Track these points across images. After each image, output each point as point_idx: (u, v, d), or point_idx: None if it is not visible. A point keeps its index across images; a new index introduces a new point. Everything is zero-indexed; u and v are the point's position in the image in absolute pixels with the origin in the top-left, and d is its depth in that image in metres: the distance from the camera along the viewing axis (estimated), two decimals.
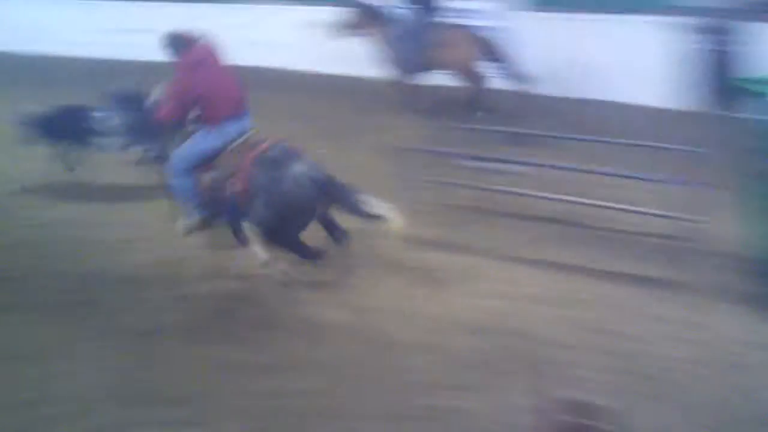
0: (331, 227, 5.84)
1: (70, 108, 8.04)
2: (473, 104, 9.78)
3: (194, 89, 5.80)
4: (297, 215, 5.66)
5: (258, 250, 5.83)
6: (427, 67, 9.83)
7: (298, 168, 5.58)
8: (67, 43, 13.86)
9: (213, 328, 5.33)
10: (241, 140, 5.89)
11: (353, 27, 10.19)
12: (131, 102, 7.80)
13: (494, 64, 9.75)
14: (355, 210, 5.54)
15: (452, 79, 10.06)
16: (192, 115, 5.99)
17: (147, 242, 6.64)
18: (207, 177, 5.88)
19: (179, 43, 5.95)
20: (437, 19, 9.99)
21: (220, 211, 5.93)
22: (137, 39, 11.65)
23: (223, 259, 6.11)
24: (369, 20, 10.21)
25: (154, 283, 5.97)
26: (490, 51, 9.70)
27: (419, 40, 9.73)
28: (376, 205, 5.51)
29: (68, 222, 7.32)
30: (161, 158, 6.73)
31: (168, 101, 6.05)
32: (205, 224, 6.09)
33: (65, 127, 7.90)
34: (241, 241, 5.94)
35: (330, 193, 5.63)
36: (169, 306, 5.62)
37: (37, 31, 14.53)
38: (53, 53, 14.04)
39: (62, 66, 13.35)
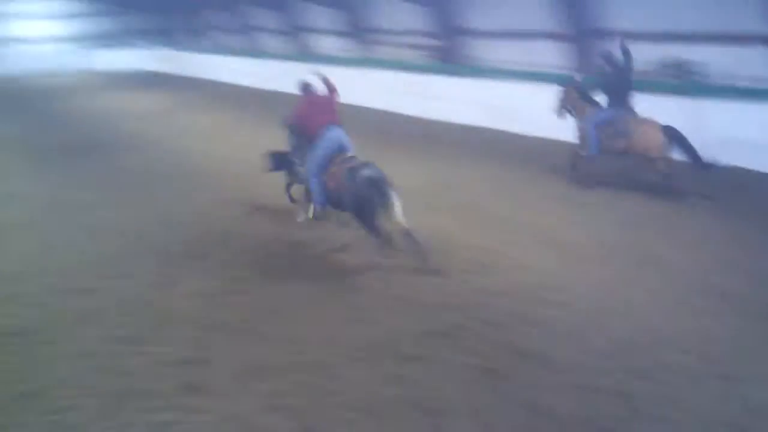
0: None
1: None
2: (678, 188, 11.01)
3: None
4: (364, 203, 8.22)
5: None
6: (622, 151, 11.41)
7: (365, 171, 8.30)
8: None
9: None
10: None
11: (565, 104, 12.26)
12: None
13: (680, 151, 11.06)
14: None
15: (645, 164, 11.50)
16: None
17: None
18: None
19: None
20: (629, 110, 11.48)
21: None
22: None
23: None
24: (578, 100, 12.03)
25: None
26: (676, 139, 11.01)
27: (617, 125, 11.27)
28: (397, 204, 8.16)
29: None
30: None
31: None
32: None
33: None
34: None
35: (380, 188, 8.13)
36: None
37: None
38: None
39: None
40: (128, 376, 6.18)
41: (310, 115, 9.21)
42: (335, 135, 9.04)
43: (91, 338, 6.94)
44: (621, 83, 11.43)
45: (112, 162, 15.25)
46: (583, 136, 11.77)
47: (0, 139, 18.56)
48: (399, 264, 8.38)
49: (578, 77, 12.80)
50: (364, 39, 25.57)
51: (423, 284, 7.94)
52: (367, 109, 20.80)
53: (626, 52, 11.36)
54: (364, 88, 20.97)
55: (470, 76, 19.06)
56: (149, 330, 7.07)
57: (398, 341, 6.62)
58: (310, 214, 9.51)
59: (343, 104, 9.62)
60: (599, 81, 11.86)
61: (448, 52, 21.50)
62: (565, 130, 12.79)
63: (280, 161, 10.49)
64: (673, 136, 10.97)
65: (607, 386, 5.77)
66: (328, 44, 27.87)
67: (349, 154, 8.92)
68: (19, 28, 40.73)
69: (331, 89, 9.55)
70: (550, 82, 13.39)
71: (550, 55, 18.12)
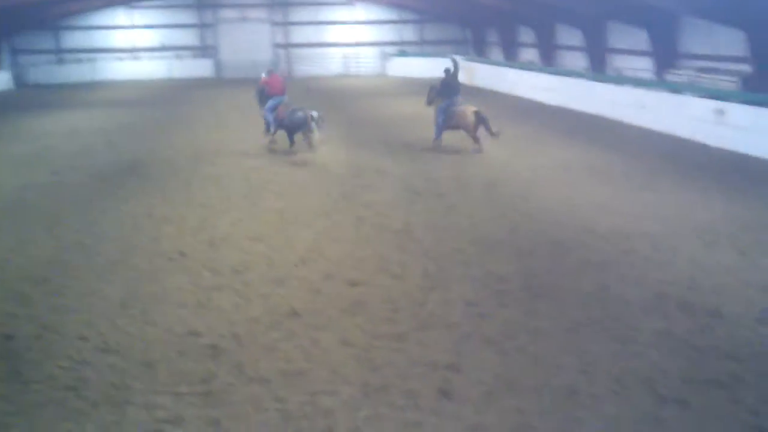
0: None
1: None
2: None
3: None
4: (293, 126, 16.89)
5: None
6: (455, 127, 17.58)
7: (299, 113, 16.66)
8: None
9: None
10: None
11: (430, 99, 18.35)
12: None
13: (483, 126, 17.08)
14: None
15: None
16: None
17: None
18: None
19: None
20: (455, 101, 17.67)
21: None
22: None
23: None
24: None
25: None
26: (481, 119, 17.02)
27: (448, 111, 17.52)
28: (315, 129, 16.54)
29: None
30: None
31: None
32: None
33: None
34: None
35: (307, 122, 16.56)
36: None
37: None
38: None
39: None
40: (383, 370, 6.42)
41: (271, 85, 17.53)
42: (281, 98, 17.40)
43: (355, 329, 7.30)
44: (452, 84, 17.52)
45: (404, 162, 16.02)
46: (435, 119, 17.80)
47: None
48: (680, 307, 7.83)
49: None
50: (673, 63, 24.19)
51: (698, 326, 7.34)
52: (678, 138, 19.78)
53: (456, 64, 18.03)
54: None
55: None
56: (410, 329, 7.28)
57: (661, 381, 6.16)
58: (270, 132, 17.68)
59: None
60: (441, 83, 17.66)
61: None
62: None
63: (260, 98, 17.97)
64: (479, 116, 16.92)
65: None
66: (632, 64, 26.74)
67: (291, 105, 17.34)
68: (331, 34, 44.48)
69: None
70: None
71: None
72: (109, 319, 7.65)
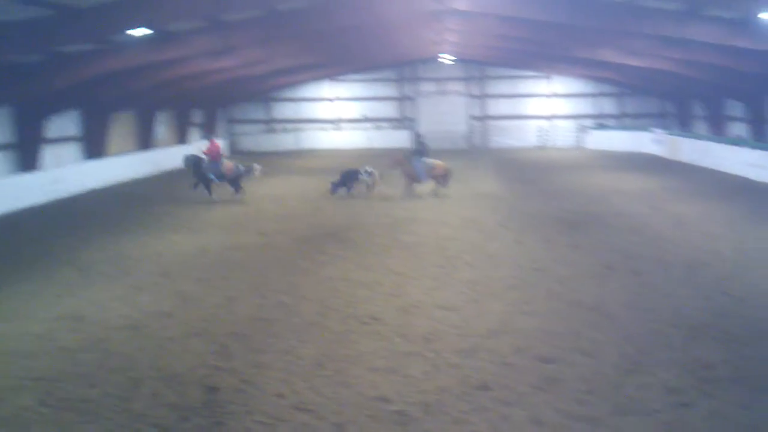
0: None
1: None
2: None
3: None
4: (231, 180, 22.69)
5: None
6: (434, 176, 22.66)
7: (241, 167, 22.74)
8: None
9: None
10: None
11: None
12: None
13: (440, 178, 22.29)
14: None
15: None
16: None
17: None
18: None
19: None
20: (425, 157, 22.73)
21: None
22: None
23: None
24: None
25: None
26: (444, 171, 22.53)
27: (426, 164, 22.58)
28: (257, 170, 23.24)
29: None
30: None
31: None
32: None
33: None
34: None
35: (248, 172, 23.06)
36: None
37: None
38: None
39: None
40: None
41: (210, 152, 22.27)
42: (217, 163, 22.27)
43: (547, 407, 7.08)
44: (424, 147, 23.07)
45: (599, 237, 15.58)
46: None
47: (512, 205, 20.35)
48: None
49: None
50: None
51: None
52: None
53: (422, 136, 24.68)
54: None
55: None
56: (606, 413, 6.95)
57: None
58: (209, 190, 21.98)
59: None
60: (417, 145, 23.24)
61: None
62: None
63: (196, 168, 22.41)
64: (447, 169, 22.44)
65: None
66: None
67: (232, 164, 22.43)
68: (527, 107, 44.71)
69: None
70: None
71: None
72: (305, 378, 7.95)
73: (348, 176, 22.89)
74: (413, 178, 22.46)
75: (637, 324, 9.62)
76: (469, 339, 9.10)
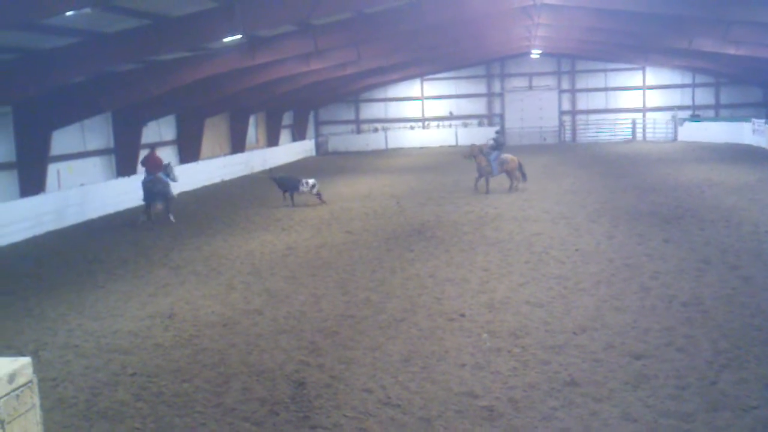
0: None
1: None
2: None
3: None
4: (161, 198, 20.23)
5: None
6: (506, 170, 23.07)
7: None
8: None
9: None
10: None
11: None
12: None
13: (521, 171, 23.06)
14: None
15: None
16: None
17: None
18: None
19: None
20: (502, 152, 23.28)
21: None
22: None
23: None
24: None
25: None
26: (519, 165, 23.01)
27: (500, 159, 23.09)
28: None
29: None
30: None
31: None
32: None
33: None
34: None
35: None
36: None
37: None
38: None
39: None
40: None
41: (149, 163, 20.10)
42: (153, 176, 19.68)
43: (638, 403, 6.94)
44: (501, 142, 23.79)
45: (694, 231, 15.11)
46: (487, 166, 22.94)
47: (603, 200, 19.97)
48: None
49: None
50: None
51: None
52: None
53: (501, 131, 28.71)
54: None
55: None
56: (699, 409, 6.76)
57: None
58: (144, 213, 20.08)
59: None
60: (495, 141, 23.65)
61: None
62: None
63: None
64: (519, 163, 22.94)
65: None
66: None
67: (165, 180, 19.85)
68: (619, 100, 43.63)
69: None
70: None
71: None
72: (392, 373, 8.02)
73: (286, 183, 22.20)
74: (487, 171, 22.92)
75: (733, 319, 9.29)
76: (557, 335, 8.99)
